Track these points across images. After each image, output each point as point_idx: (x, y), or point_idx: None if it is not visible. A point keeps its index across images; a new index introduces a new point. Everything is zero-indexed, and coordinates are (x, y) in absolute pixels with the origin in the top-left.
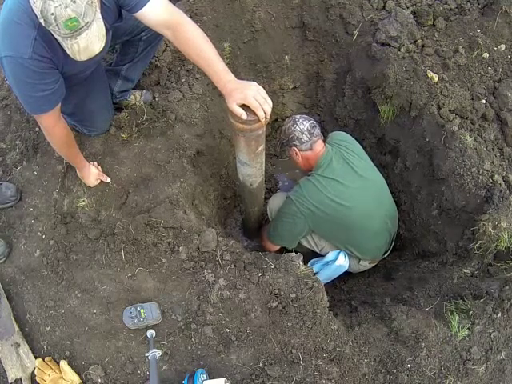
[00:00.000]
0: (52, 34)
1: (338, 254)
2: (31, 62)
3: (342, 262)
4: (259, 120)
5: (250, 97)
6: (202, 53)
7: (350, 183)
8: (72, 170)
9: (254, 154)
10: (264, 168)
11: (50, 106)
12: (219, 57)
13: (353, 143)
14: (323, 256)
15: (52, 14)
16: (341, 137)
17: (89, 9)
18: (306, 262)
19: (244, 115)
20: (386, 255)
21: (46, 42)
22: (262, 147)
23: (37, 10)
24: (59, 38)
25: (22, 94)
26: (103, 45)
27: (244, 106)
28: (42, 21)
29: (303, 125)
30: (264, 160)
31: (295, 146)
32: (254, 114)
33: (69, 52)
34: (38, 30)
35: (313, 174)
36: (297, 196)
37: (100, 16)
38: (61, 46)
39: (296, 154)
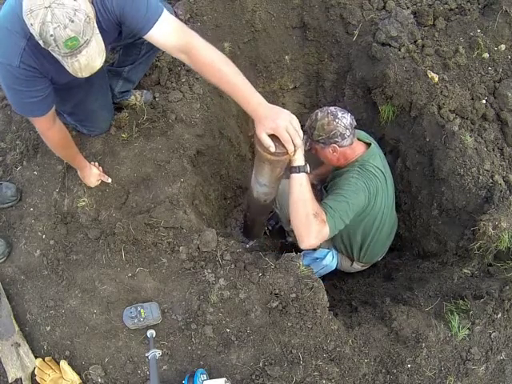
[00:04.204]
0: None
1: (327, 253)
2: (19, 71)
3: (329, 262)
4: (287, 153)
5: (281, 128)
6: (223, 77)
7: (383, 184)
8: (72, 170)
9: (276, 179)
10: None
11: (40, 112)
12: (243, 78)
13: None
14: (314, 250)
15: (51, 35)
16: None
17: (87, 26)
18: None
19: (272, 148)
20: (378, 259)
21: (34, 54)
22: (283, 171)
23: (35, 33)
24: (59, 57)
25: (13, 98)
26: (103, 60)
27: (273, 136)
28: (40, 42)
29: (345, 119)
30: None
31: (336, 142)
32: (283, 145)
33: (70, 70)
34: (29, 40)
35: (364, 160)
36: (360, 173)
37: (98, 31)
38: (48, 59)
39: (334, 151)
